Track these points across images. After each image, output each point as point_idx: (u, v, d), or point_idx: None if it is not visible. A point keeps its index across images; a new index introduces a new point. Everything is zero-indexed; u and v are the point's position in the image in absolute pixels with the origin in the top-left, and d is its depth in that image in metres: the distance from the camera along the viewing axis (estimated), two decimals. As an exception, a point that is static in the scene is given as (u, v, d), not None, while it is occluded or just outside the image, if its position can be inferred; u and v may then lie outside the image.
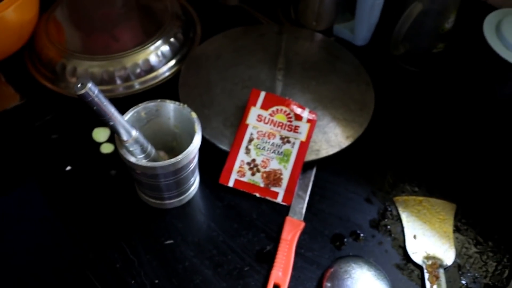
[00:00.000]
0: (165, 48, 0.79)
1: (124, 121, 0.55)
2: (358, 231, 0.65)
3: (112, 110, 0.53)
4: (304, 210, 0.66)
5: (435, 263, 0.62)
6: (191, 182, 0.65)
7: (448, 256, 0.62)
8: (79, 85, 0.49)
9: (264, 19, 0.90)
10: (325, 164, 0.70)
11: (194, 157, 0.60)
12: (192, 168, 0.62)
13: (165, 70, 0.79)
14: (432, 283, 0.60)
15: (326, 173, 0.70)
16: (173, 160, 0.57)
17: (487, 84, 0.77)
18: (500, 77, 0.74)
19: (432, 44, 0.80)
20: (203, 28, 0.87)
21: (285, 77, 0.77)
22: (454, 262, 0.62)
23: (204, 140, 0.66)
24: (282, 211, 0.66)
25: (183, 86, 0.75)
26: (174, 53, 0.80)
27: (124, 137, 0.56)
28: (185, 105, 0.62)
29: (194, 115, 0.61)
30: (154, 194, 0.64)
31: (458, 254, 0.63)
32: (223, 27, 0.85)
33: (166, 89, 0.78)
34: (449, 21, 0.77)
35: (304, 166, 0.69)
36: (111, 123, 0.54)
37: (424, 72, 0.82)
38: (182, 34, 0.82)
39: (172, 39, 0.80)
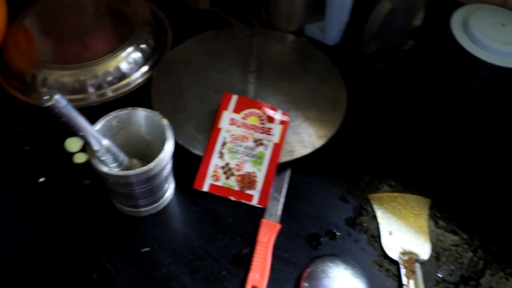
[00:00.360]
0: (137, 55, 0.78)
1: (94, 131, 0.55)
2: (334, 230, 0.65)
3: (81, 121, 0.53)
4: (279, 212, 0.66)
5: (411, 258, 0.62)
6: (166, 189, 0.65)
7: (423, 250, 0.63)
8: (46, 97, 0.49)
9: (235, 22, 0.90)
10: (299, 165, 0.70)
11: (167, 164, 0.60)
12: (165, 174, 0.61)
13: (138, 76, 0.79)
14: (408, 278, 0.60)
15: (301, 173, 0.70)
16: (145, 168, 0.56)
17: (456, 79, 0.78)
18: (469, 71, 0.75)
19: (402, 42, 0.81)
20: (174, 32, 0.86)
21: (257, 79, 0.77)
22: (430, 256, 0.63)
23: (177, 145, 0.66)
24: (258, 214, 0.66)
25: (155, 92, 0.75)
26: (145, 59, 0.80)
27: (95, 147, 0.55)
28: (156, 112, 0.62)
29: (165, 121, 0.61)
30: (128, 202, 0.63)
31: (433, 248, 0.64)
32: (194, 31, 0.84)
33: (140, 96, 0.77)
34: (417, 18, 0.78)
35: (278, 168, 0.69)
36: (81, 133, 0.54)
37: (395, 69, 0.83)
38: (153, 39, 0.82)
39: (143, 45, 0.80)
